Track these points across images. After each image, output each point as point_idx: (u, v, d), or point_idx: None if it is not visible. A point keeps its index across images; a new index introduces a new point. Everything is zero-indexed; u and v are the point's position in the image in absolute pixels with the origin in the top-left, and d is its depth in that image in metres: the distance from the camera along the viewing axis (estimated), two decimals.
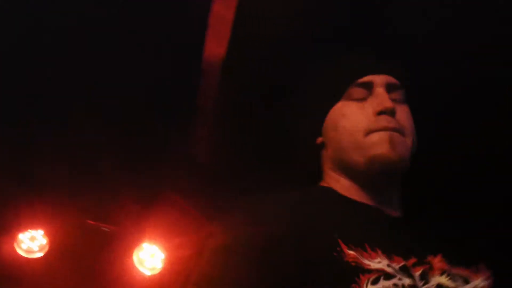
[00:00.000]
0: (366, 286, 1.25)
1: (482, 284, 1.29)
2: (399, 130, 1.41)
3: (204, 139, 3.87)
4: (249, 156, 4.11)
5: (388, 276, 1.25)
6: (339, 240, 1.30)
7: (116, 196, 4.38)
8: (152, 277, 4.70)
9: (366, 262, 1.27)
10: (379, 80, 1.49)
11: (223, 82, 3.51)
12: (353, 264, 1.27)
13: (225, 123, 3.73)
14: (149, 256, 4.66)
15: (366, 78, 1.50)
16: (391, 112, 1.42)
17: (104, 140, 4.17)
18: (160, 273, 4.71)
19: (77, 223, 4.55)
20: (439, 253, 1.32)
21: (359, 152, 1.46)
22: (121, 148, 4.26)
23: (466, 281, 1.29)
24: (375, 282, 1.25)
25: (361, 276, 1.26)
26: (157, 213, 4.51)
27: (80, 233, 4.58)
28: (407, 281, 1.26)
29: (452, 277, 1.28)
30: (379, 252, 1.29)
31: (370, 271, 1.26)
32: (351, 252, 1.28)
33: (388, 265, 1.27)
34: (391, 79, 1.50)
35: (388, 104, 1.42)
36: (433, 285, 1.26)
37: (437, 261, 1.31)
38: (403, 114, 1.47)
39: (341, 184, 1.51)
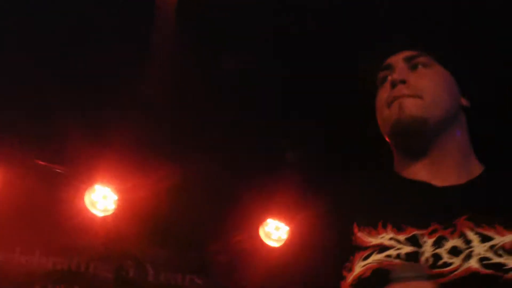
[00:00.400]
0: (358, 263, 1.32)
1: (506, 240, 1.26)
2: (412, 95, 1.49)
3: (156, 79, 3.81)
4: (202, 98, 4.10)
5: (383, 249, 1.31)
6: (354, 224, 1.40)
7: (67, 136, 4.30)
8: (105, 218, 4.68)
9: (369, 239, 1.35)
10: (395, 59, 1.57)
11: (178, 21, 3.45)
12: (353, 244, 1.36)
13: (178, 65, 3.68)
14: (101, 198, 4.62)
15: (385, 62, 1.61)
16: (400, 82, 1.49)
17: (54, 79, 4.08)
18: (113, 214, 4.69)
19: (26, 164, 4.45)
20: (464, 215, 1.34)
21: (385, 127, 1.56)
22: (71, 87, 4.18)
23: (487, 239, 1.28)
24: (366, 257, 1.31)
25: (356, 255, 1.34)
26: (109, 155, 4.45)
27: (30, 173, 4.50)
28: (406, 249, 1.30)
29: (466, 237, 1.30)
30: (389, 227, 1.35)
31: (366, 248, 1.33)
32: (359, 233, 1.37)
33: (391, 238, 1.33)
34: (407, 53, 1.57)
35: (395, 76, 1.51)
36: (446, 249, 1.28)
37: (460, 224, 1.33)
38: (422, 77, 1.53)
39: (399, 164, 1.58)
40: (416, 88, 1.50)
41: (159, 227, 5.21)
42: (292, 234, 5.18)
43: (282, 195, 5.04)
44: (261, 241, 5.19)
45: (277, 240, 5.19)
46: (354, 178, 1.66)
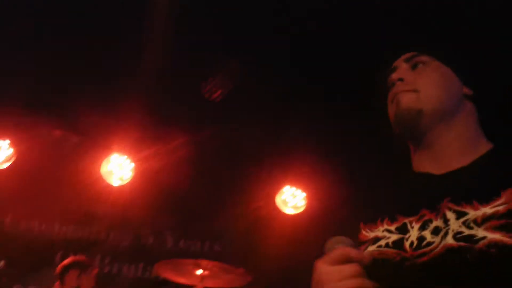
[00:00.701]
0: None
1: (478, 213, 1.35)
2: (408, 90, 1.62)
3: (159, 52, 3.84)
4: (219, 66, 4.11)
5: (375, 241, 1.46)
6: (361, 223, 1.56)
7: (84, 106, 4.34)
8: (122, 187, 4.74)
9: (368, 234, 1.51)
10: (398, 61, 1.72)
11: None
12: (358, 240, 1.51)
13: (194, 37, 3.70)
14: (118, 167, 4.67)
15: (391, 67, 1.74)
16: (398, 80, 1.63)
17: (71, 51, 4.12)
18: (129, 183, 4.75)
19: (43, 133, 4.51)
20: (448, 197, 1.43)
21: (392, 122, 1.67)
22: (85, 60, 4.21)
23: (461, 215, 1.36)
24: (364, 250, 1.46)
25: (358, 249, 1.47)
26: (125, 124, 4.48)
27: (47, 144, 4.56)
28: (394, 237, 1.43)
29: (446, 217, 1.39)
30: (386, 220, 1.50)
31: (365, 242, 1.49)
32: (363, 230, 1.54)
33: (384, 230, 1.47)
34: (407, 54, 1.71)
35: (394, 76, 1.66)
36: (430, 230, 1.39)
37: (443, 205, 1.42)
38: (420, 74, 1.65)
39: (413, 159, 1.69)
40: (413, 83, 1.62)
41: (176, 195, 5.26)
42: (308, 202, 5.21)
43: (300, 163, 5.05)
44: (278, 208, 5.22)
45: (293, 208, 5.21)
46: (368, 172, 1.80)
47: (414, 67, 1.67)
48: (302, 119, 4.52)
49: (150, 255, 5.21)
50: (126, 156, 4.66)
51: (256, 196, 5.28)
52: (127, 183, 4.70)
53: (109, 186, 4.70)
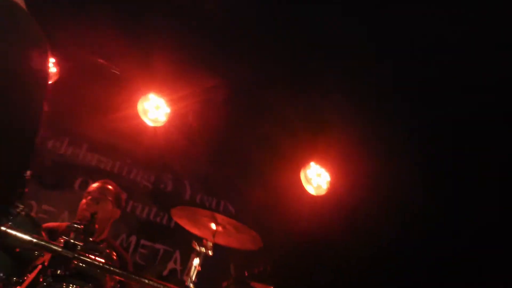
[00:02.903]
0: None
1: None
2: None
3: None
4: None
5: None
6: None
7: (127, 43, 4.30)
8: (155, 128, 4.74)
9: None
10: None
11: None
12: None
13: None
14: (154, 108, 4.66)
15: None
16: None
17: None
18: (163, 126, 4.74)
19: (88, 59, 4.51)
20: None
21: None
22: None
23: None
24: None
25: None
26: (163, 66, 4.42)
27: (90, 69, 4.56)
28: None
29: None
30: None
31: None
32: None
33: None
34: None
35: None
36: None
37: None
38: None
39: None
40: None
41: (203, 149, 5.23)
42: (331, 186, 5.13)
43: (329, 144, 4.98)
44: (301, 186, 5.15)
45: (316, 188, 5.14)
46: None
47: None
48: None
49: (166, 201, 5.20)
50: (163, 98, 4.63)
51: (282, 166, 5.22)
52: (160, 125, 4.69)
53: (141, 124, 4.70)
